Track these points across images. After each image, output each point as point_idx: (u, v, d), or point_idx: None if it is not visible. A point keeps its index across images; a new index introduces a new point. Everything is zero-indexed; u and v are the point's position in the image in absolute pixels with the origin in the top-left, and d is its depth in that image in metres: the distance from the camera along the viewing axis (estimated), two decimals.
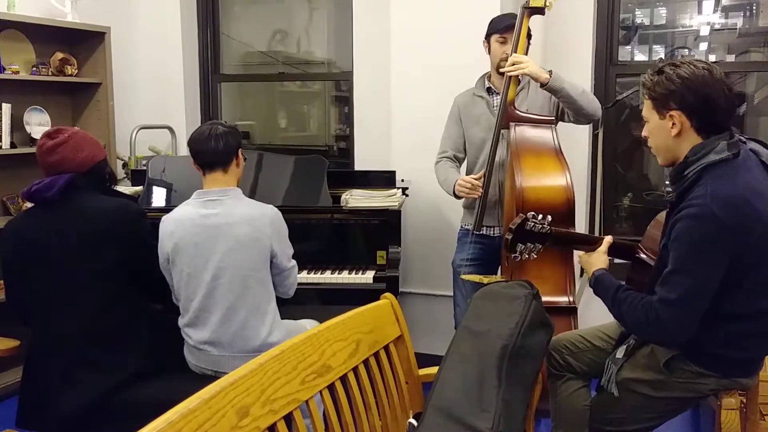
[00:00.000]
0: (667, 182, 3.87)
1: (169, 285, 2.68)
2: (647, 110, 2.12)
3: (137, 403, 2.44)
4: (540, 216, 2.29)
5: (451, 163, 3.35)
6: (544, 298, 2.63)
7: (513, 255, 2.38)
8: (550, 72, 2.91)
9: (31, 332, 2.58)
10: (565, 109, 3.05)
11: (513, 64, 2.93)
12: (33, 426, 2.57)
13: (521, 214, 2.30)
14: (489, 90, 3.27)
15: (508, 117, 2.96)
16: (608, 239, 2.32)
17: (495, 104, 3.23)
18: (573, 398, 2.38)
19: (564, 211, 2.74)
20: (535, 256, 2.35)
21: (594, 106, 3.02)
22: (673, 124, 2.04)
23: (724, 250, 1.93)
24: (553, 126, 2.97)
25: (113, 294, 2.52)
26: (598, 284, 2.23)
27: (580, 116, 3.03)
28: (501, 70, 3.04)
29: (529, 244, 2.31)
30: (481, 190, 3.07)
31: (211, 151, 2.60)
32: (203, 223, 2.54)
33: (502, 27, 3.13)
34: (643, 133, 2.19)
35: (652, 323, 2.01)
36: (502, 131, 3.01)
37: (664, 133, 2.08)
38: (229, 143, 2.61)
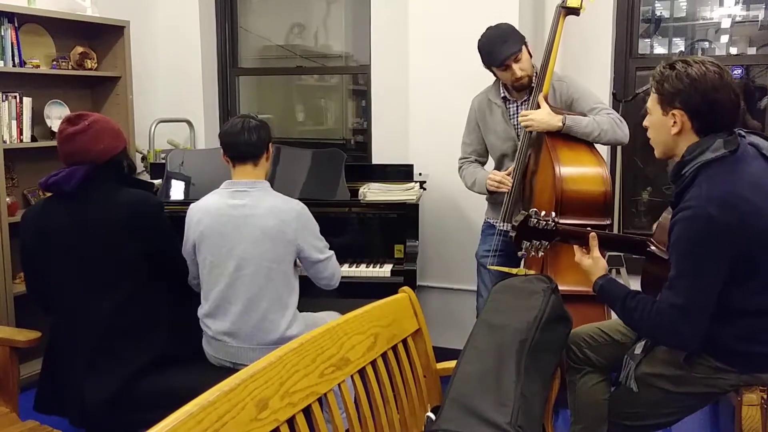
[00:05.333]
0: None
1: (191, 273, 2.71)
2: (652, 102, 2.12)
3: (157, 393, 2.47)
4: (543, 212, 2.30)
5: (474, 164, 3.32)
6: (579, 288, 2.66)
7: (519, 253, 2.40)
8: (564, 119, 2.91)
9: (52, 321, 2.61)
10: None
11: (524, 124, 2.97)
12: (52, 411, 2.60)
13: (523, 212, 2.32)
14: (505, 99, 3.20)
15: None
16: (592, 235, 2.29)
17: (511, 112, 3.19)
18: (592, 392, 2.37)
19: (601, 202, 2.83)
20: (543, 253, 2.37)
21: (617, 138, 2.99)
22: (674, 123, 2.05)
23: (723, 249, 1.93)
24: None
25: (135, 285, 2.54)
26: (604, 293, 2.23)
27: (607, 146, 3.03)
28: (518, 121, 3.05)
29: (535, 242, 2.32)
30: (509, 184, 3.07)
31: (244, 143, 2.61)
32: (230, 212, 2.56)
33: (499, 62, 3.02)
34: (645, 123, 2.19)
35: (667, 328, 2.02)
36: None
37: (665, 130, 2.09)
38: (261, 137, 2.64)
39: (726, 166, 1.98)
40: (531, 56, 3.10)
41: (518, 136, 3.10)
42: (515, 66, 3.03)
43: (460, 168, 3.37)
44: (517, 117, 3.14)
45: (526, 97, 3.14)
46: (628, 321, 2.19)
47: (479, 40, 3.09)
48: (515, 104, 3.19)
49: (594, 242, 2.28)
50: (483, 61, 3.12)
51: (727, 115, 2.03)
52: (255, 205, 2.56)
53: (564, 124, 2.91)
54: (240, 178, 2.63)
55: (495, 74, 3.16)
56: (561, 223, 2.32)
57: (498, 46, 3.02)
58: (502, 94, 3.21)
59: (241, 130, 2.62)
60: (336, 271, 2.78)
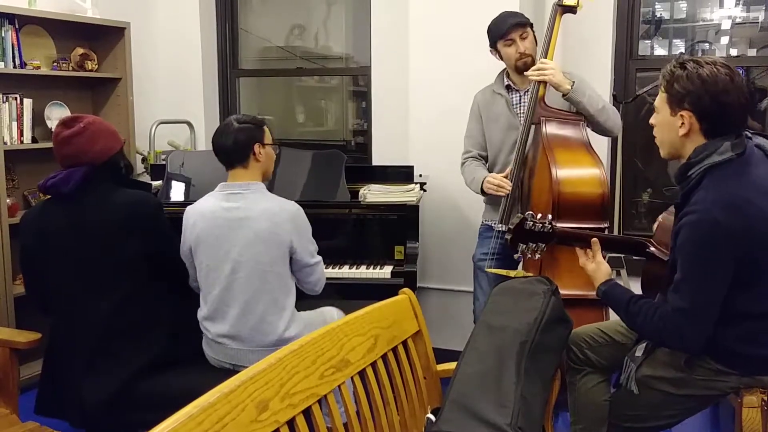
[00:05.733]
0: None
1: (191, 275, 2.70)
2: (660, 101, 2.10)
3: (157, 394, 2.47)
4: (539, 215, 2.30)
5: (477, 162, 3.33)
6: (576, 291, 2.66)
7: (515, 255, 2.40)
8: (573, 83, 2.93)
9: (51, 323, 2.61)
10: None
11: (538, 69, 2.95)
12: (52, 414, 2.60)
13: (519, 214, 2.32)
14: (508, 87, 3.26)
15: (538, 113, 2.97)
16: (594, 240, 2.30)
17: (515, 102, 3.23)
18: (593, 393, 2.37)
19: (599, 204, 2.81)
20: (539, 256, 2.37)
21: (611, 123, 3.03)
22: (682, 123, 2.03)
23: (728, 253, 1.92)
24: (582, 122, 3.00)
25: (134, 286, 2.54)
26: (607, 299, 2.23)
27: (598, 131, 3.06)
28: (526, 73, 3.06)
29: (531, 244, 2.32)
30: (508, 188, 3.07)
31: (223, 149, 2.60)
32: (225, 215, 2.55)
33: (505, 32, 3.11)
34: (651, 121, 2.18)
35: (671, 333, 2.02)
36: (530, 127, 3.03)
37: (672, 130, 2.07)
38: (240, 140, 2.58)
39: (733, 169, 1.97)
40: (536, 44, 3.14)
41: (522, 124, 3.11)
42: (520, 41, 3.10)
43: (462, 164, 3.38)
44: (521, 107, 3.18)
45: (528, 88, 3.16)
46: (631, 325, 2.20)
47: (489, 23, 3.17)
48: (518, 94, 3.23)
49: (597, 247, 2.28)
50: (490, 40, 3.18)
51: (736, 117, 2.01)
52: (249, 208, 2.55)
53: (572, 87, 2.92)
54: (234, 180, 2.62)
55: (500, 56, 3.19)
56: (558, 226, 2.32)
57: (505, 21, 3.12)
58: (506, 83, 3.25)
59: (220, 135, 2.60)
60: (322, 276, 2.75)
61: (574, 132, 2.97)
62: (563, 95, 2.96)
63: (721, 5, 4.07)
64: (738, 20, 4.03)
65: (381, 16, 4.29)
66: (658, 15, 4.21)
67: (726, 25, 4.06)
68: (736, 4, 4.02)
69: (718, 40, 4.13)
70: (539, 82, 2.98)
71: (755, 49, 4.00)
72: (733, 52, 4.05)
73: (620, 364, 2.28)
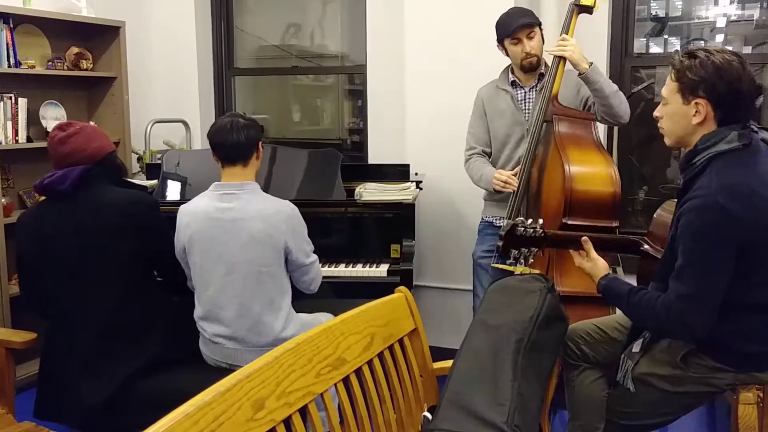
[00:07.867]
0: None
1: (186, 274, 2.69)
2: (670, 92, 2.08)
3: (154, 394, 2.47)
4: (530, 220, 2.31)
5: (482, 158, 3.32)
6: (585, 289, 2.66)
7: (507, 261, 2.41)
8: (591, 63, 2.92)
9: (48, 324, 2.61)
10: (593, 107, 3.05)
11: (559, 46, 2.94)
12: (52, 417, 2.60)
13: (509, 221, 2.32)
14: (513, 83, 3.25)
15: (551, 111, 2.96)
16: (584, 239, 2.30)
17: (519, 98, 3.23)
18: (590, 389, 2.37)
19: (610, 202, 2.80)
20: (533, 260, 2.38)
21: (624, 108, 3.01)
22: (697, 112, 2.01)
23: (732, 239, 1.92)
24: (593, 121, 2.99)
25: (132, 286, 2.54)
26: (608, 292, 2.23)
27: (609, 116, 3.03)
28: (547, 49, 3.06)
29: (523, 249, 2.33)
30: (515, 184, 3.06)
31: (232, 144, 2.56)
32: (218, 216, 2.54)
33: (512, 31, 3.10)
34: (657, 113, 2.16)
35: (674, 320, 2.00)
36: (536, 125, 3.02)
37: (685, 119, 2.05)
38: (251, 136, 2.59)
39: (738, 159, 1.97)
40: (543, 43, 3.14)
41: (527, 120, 3.12)
42: (526, 41, 3.09)
43: (466, 161, 3.36)
44: (526, 103, 3.19)
45: (534, 84, 3.17)
46: (634, 318, 2.19)
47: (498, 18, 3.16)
48: (524, 90, 3.22)
49: (588, 245, 2.28)
50: (497, 36, 3.17)
51: (748, 105, 2.03)
52: (243, 209, 2.53)
53: (590, 66, 2.91)
54: (229, 179, 2.60)
55: (506, 53, 3.19)
56: (549, 230, 2.33)
57: (513, 20, 3.10)
58: (511, 79, 3.24)
59: (229, 130, 2.56)
60: (318, 275, 2.74)
61: (585, 131, 2.96)
62: (579, 74, 2.94)
63: (716, 3, 4.07)
64: (733, 18, 4.04)
65: (376, 15, 4.29)
66: (654, 12, 4.21)
67: (721, 22, 4.07)
68: (731, 2, 4.03)
69: (714, 37, 4.13)
70: (559, 57, 2.95)
71: (750, 47, 4.01)
72: (728, 49, 4.05)
73: (616, 361, 2.28)
